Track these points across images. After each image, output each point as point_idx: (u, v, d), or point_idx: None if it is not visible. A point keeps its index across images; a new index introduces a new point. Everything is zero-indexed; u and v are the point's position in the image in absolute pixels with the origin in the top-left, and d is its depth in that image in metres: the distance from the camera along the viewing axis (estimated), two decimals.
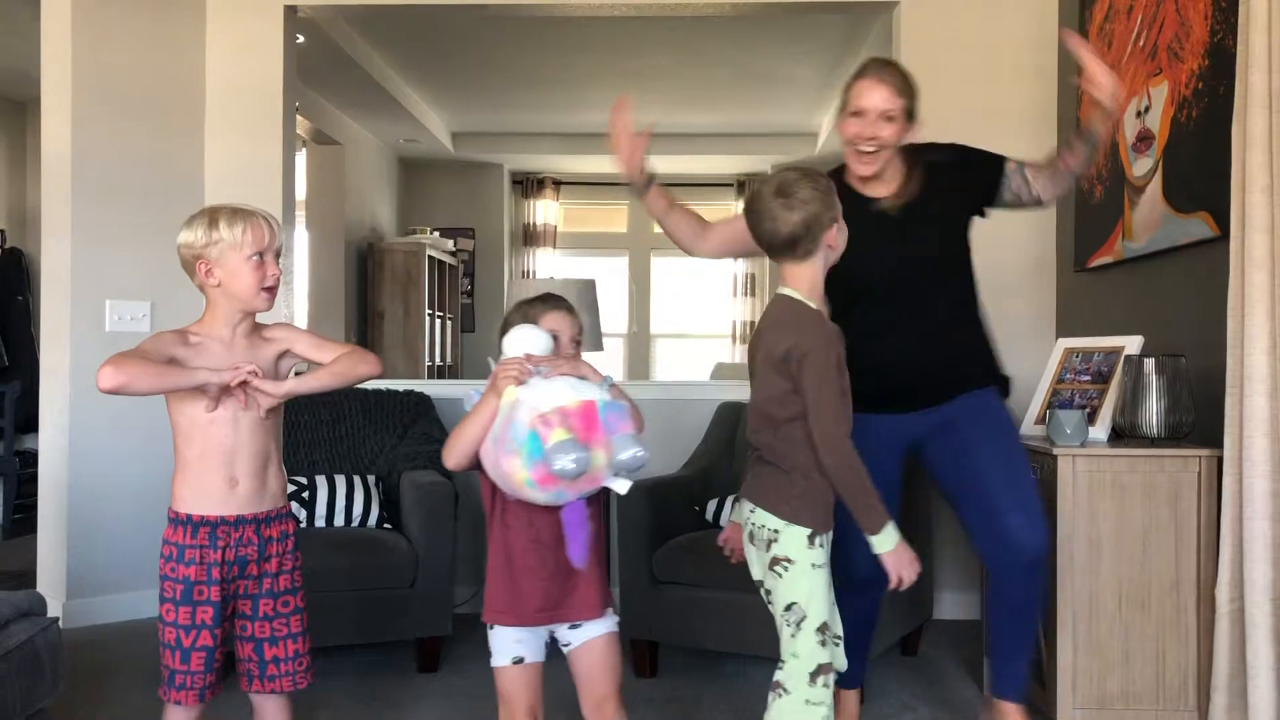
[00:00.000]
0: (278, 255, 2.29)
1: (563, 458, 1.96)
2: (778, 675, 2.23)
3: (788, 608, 2.21)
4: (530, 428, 2.00)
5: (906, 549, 2.21)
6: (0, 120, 7.29)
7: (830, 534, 2.23)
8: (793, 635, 2.20)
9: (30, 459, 5.82)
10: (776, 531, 2.21)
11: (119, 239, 4.36)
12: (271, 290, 2.27)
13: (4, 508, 6.37)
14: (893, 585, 2.23)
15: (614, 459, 2.03)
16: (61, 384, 4.27)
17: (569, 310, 2.30)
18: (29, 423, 6.14)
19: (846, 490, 2.18)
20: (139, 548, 4.08)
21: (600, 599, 2.26)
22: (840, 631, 2.27)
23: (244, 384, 2.19)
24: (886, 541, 2.19)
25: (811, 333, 2.20)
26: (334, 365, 2.31)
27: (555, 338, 2.23)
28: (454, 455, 2.16)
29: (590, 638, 2.24)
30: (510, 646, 2.22)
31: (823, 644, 2.20)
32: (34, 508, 4.55)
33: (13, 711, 2.37)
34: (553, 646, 2.29)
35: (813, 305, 2.23)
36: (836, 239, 2.24)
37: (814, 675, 2.18)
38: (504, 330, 2.29)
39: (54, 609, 3.87)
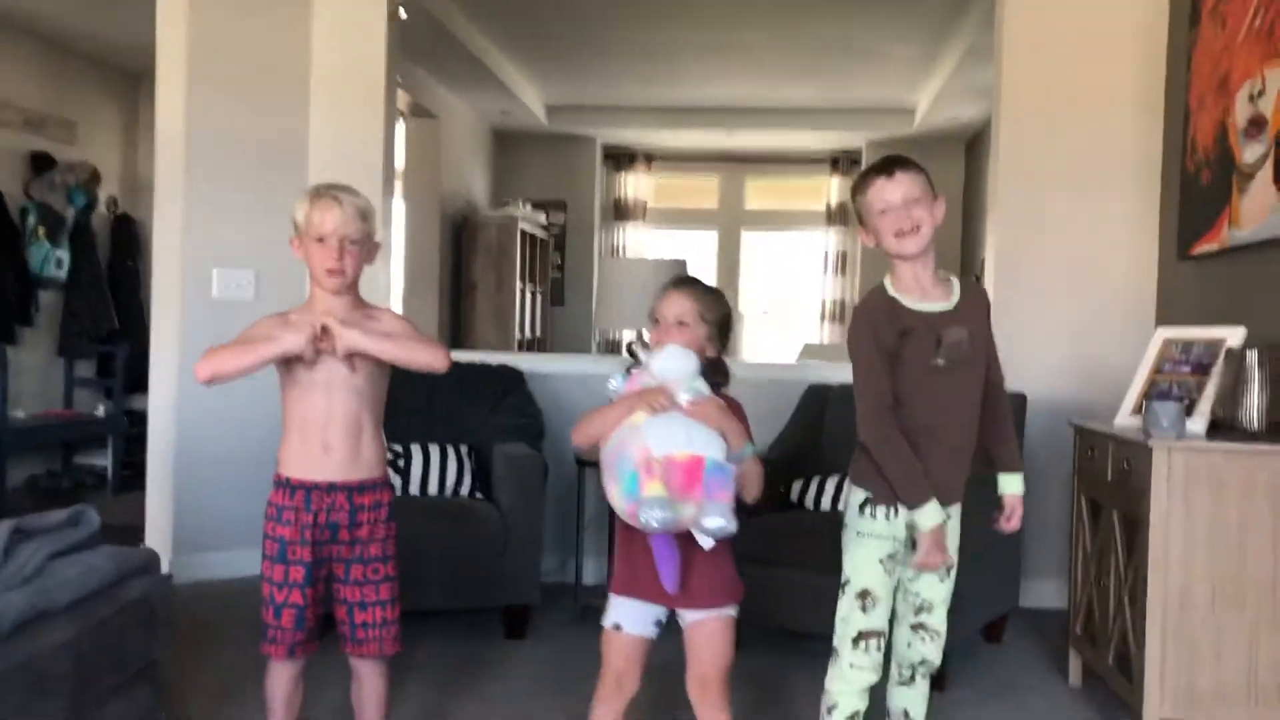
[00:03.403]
0: (351, 241, 2.28)
1: (649, 513, 2.00)
2: (834, 639, 2.38)
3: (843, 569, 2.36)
4: (634, 467, 2.04)
5: (942, 537, 2.27)
6: (114, 91, 7.54)
7: (891, 509, 2.29)
8: (840, 598, 2.36)
9: (138, 418, 6.04)
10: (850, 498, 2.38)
11: (227, 209, 4.50)
12: (333, 273, 2.28)
13: (114, 464, 6.65)
14: (915, 563, 2.30)
15: (700, 520, 2.04)
16: (171, 348, 4.44)
17: (683, 293, 2.33)
18: (137, 383, 6.38)
19: (881, 465, 2.27)
20: (241, 508, 4.22)
21: (718, 591, 2.28)
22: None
23: (326, 330, 2.21)
24: (926, 520, 2.25)
25: (854, 313, 2.36)
26: (402, 341, 2.31)
27: (656, 320, 2.32)
28: (580, 439, 2.25)
29: (704, 616, 2.28)
30: (615, 611, 2.31)
31: (864, 610, 2.32)
32: (141, 465, 4.74)
33: (130, 662, 2.50)
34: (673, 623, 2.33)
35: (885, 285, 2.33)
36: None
37: (855, 641, 2.32)
38: (653, 311, 2.35)
39: (162, 565, 4.04)
